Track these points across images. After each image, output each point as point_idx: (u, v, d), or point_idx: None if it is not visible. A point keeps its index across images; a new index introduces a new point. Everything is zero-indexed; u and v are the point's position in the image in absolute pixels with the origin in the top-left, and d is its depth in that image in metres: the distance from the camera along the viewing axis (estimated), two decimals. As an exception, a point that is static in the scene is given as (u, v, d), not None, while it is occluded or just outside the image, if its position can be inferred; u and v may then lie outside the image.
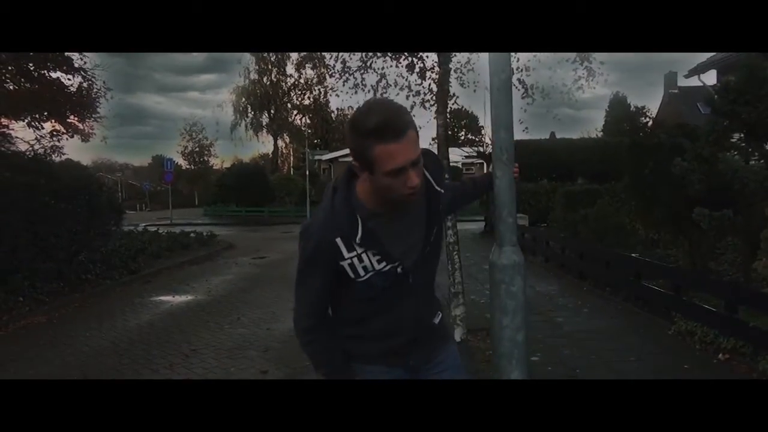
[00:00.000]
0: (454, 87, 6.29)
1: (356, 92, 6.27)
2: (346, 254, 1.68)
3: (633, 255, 8.05)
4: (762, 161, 6.43)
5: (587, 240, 10.09)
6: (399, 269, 1.74)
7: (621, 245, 9.56)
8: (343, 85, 6.16)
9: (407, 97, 6.52)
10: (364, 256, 1.70)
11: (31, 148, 11.68)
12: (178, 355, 6.45)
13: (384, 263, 1.72)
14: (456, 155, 32.49)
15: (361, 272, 1.71)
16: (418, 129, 1.64)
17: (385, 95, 5.96)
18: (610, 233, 9.57)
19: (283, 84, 43.51)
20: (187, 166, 49.76)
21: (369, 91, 6.60)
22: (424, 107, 5.85)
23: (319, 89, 41.87)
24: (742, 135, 6.63)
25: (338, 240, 1.67)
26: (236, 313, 8.48)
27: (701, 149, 6.51)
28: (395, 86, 6.27)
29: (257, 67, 42.19)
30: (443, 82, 5.78)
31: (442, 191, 1.79)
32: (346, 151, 27.91)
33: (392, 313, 1.80)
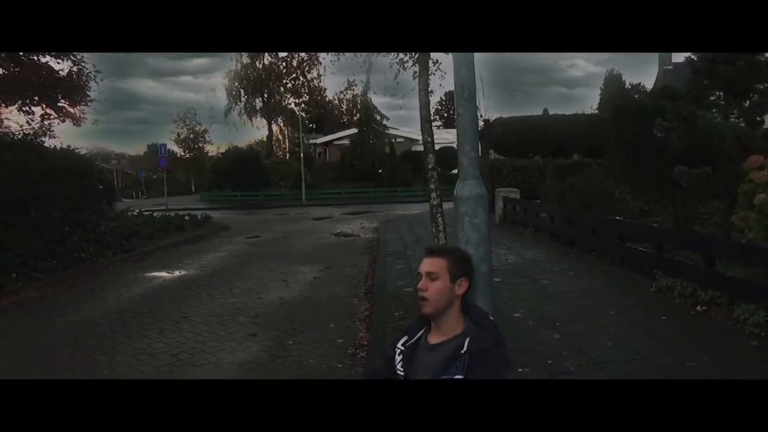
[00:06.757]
0: (436, 53, 6.33)
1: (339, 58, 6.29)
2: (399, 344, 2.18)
3: (616, 218, 8.15)
4: (740, 118, 6.49)
5: (575, 208, 10.18)
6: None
7: (608, 212, 9.64)
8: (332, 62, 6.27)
9: (390, 65, 6.59)
10: (398, 357, 2.13)
11: (20, 130, 11.74)
12: (168, 321, 6.56)
13: (402, 372, 2.10)
14: (453, 135, 32.51)
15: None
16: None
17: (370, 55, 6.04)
18: (596, 200, 9.65)
19: (276, 68, 43.35)
20: (182, 154, 49.62)
21: (353, 57, 6.63)
22: (404, 67, 5.89)
23: (312, 73, 41.96)
24: (721, 93, 6.69)
25: (399, 344, 2.15)
26: (228, 285, 8.59)
27: (681, 108, 6.57)
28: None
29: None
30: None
31: (465, 355, 1.97)
32: (341, 134, 27.71)
33: None
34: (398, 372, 2.11)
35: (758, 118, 6.50)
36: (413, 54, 5.76)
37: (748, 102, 6.58)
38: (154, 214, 17.69)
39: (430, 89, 6.40)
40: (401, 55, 5.96)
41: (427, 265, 2.08)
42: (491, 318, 2.13)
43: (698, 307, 5.69)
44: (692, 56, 14.01)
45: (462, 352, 1.98)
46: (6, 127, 12.44)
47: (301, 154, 32.66)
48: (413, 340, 2.14)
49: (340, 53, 6.68)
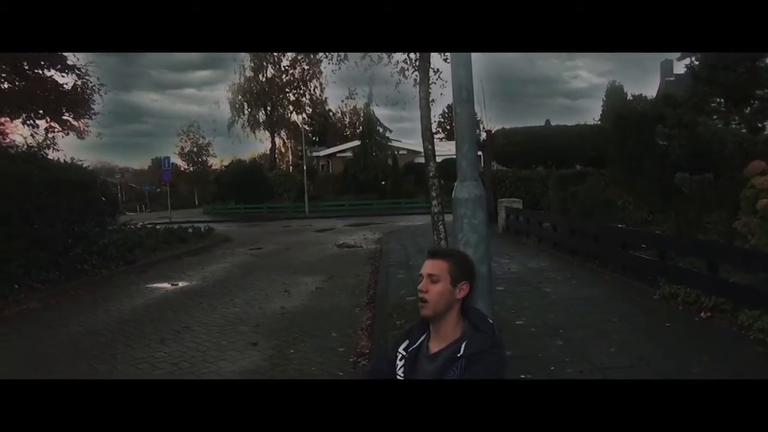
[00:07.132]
0: (437, 62, 6.38)
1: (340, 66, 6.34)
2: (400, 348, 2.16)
3: (619, 225, 8.12)
4: (741, 124, 6.49)
5: (577, 217, 10.16)
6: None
7: (610, 221, 9.62)
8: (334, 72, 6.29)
9: (392, 74, 6.62)
10: (399, 362, 2.11)
11: (25, 142, 11.84)
12: (169, 331, 6.54)
13: (402, 374, 2.11)
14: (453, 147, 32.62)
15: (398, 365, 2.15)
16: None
17: (372, 64, 6.09)
18: (599, 209, 9.62)
19: (279, 81, 43.62)
20: (186, 167, 49.78)
21: (354, 67, 6.67)
22: (404, 75, 5.91)
23: (314, 84, 42.21)
24: (721, 100, 6.69)
25: (401, 348, 2.14)
26: (230, 296, 8.57)
27: (682, 115, 6.57)
28: (378, 59, 6.34)
29: (252, 64, 42.27)
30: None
31: (461, 359, 1.97)
32: (344, 146, 27.78)
33: None
34: (398, 377, 2.10)
35: (759, 124, 6.49)
36: (414, 61, 5.79)
37: (748, 108, 6.58)
38: (158, 227, 17.73)
39: (431, 98, 6.44)
40: (402, 63, 6.00)
41: (429, 267, 2.07)
42: (490, 321, 2.11)
43: (702, 314, 5.65)
44: (693, 64, 14.06)
45: (458, 355, 1.97)
46: (11, 140, 12.54)
47: (304, 167, 32.74)
48: (415, 345, 2.12)
49: (341, 62, 6.71)
